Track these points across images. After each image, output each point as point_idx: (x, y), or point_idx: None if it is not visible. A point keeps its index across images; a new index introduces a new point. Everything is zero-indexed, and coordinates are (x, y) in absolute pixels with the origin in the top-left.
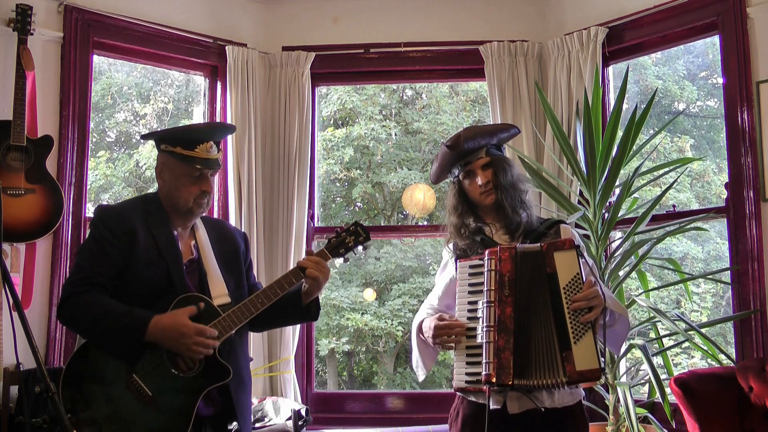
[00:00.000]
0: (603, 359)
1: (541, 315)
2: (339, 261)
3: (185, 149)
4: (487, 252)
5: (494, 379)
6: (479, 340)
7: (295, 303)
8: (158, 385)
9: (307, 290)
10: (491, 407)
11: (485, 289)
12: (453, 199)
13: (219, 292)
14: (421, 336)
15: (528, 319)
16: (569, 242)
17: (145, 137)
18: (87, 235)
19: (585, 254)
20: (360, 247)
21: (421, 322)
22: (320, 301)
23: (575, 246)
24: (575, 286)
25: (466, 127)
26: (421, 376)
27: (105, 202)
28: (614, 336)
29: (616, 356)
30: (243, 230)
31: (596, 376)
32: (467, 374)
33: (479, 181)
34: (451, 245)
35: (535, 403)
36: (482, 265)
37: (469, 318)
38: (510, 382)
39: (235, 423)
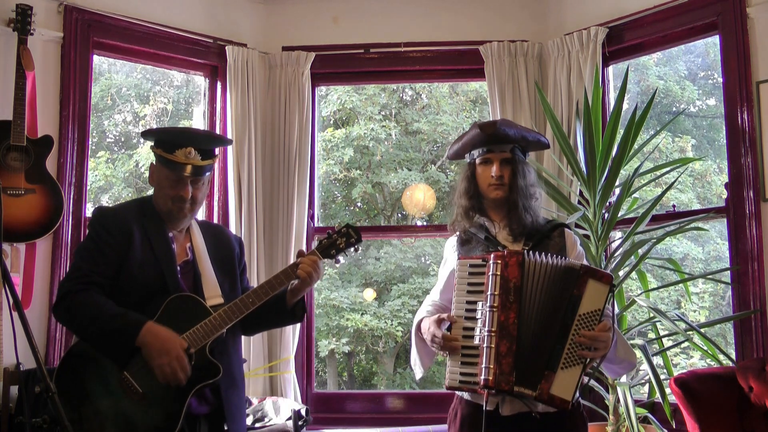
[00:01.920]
0: (578, 396)
1: (548, 327)
2: (330, 262)
3: (165, 152)
4: (492, 255)
5: (493, 384)
6: (476, 341)
7: (279, 304)
8: (149, 382)
9: (295, 288)
10: (485, 408)
11: (489, 293)
12: (465, 182)
13: (212, 293)
14: (419, 335)
15: (536, 326)
16: (608, 277)
17: (143, 135)
18: (85, 237)
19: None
20: (351, 249)
21: (420, 321)
22: (321, 301)
23: (611, 284)
24: (591, 320)
25: (504, 118)
26: (418, 374)
27: (105, 203)
28: (611, 369)
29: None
30: (243, 230)
31: (564, 406)
32: (462, 374)
33: (493, 171)
34: (454, 241)
35: (528, 406)
36: (483, 266)
37: (466, 318)
38: (509, 388)
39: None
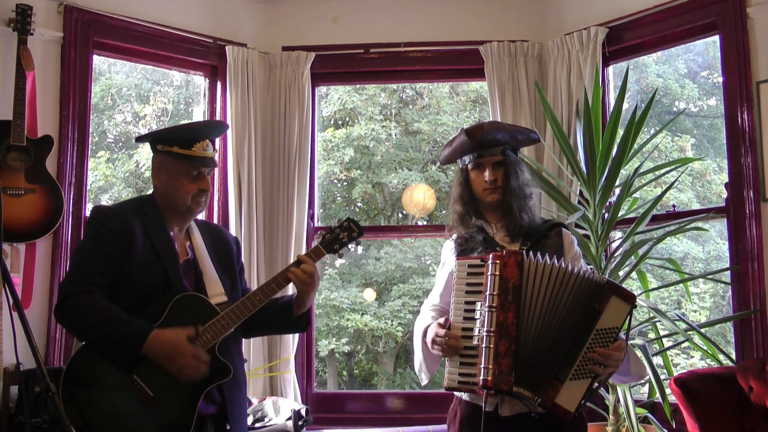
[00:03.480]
0: (582, 408)
1: (557, 332)
2: (335, 258)
3: (182, 148)
4: (491, 255)
5: (492, 385)
6: (475, 342)
7: (285, 312)
8: (159, 384)
9: (298, 299)
10: (484, 409)
11: (488, 293)
12: (459, 188)
13: (215, 291)
14: (425, 340)
15: (537, 328)
16: (632, 297)
17: (139, 139)
18: (83, 236)
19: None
20: (353, 243)
21: (426, 327)
22: (321, 301)
23: (634, 304)
24: (606, 336)
25: (490, 120)
26: (424, 380)
27: (105, 203)
28: (618, 379)
29: None
30: (243, 230)
31: (566, 417)
32: (460, 374)
33: (487, 176)
34: (452, 244)
35: (528, 407)
36: (482, 266)
37: (465, 318)
38: (508, 389)
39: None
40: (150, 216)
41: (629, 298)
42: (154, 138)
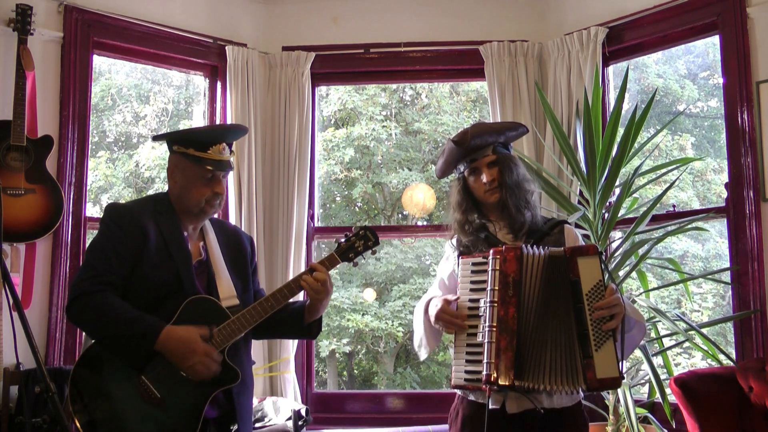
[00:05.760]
0: (622, 367)
1: (561, 320)
2: (349, 266)
3: (198, 151)
4: (492, 251)
5: (494, 380)
6: (479, 338)
7: (297, 320)
8: (167, 387)
9: (311, 306)
10: (490, 407)
11: (488, 288)
12: (457, 196)
13: (227, 294)
14: (427, 316)
15: (543, 322)
16: (593, 248)
17: (156, 138)
18: (97, 233)
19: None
20: (368, 252)
21: (429, 301)
22: None
23: (598, 252)
24: (597, 292)
25: (474, 123)
26: (423, 355)
27: (106, 202)
28: (630, 342)
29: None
30: (243, 230)
31: (616, 384)
32: (466, 372)
33: (484, 178)
34: (454, 241)
35: (533, 403)
36: (485, 263)
37: (470, 315)
38: (510, 383)
39: (235, 425)
40: (164, 215)
41: (591, 250)
42: (171, 138)
